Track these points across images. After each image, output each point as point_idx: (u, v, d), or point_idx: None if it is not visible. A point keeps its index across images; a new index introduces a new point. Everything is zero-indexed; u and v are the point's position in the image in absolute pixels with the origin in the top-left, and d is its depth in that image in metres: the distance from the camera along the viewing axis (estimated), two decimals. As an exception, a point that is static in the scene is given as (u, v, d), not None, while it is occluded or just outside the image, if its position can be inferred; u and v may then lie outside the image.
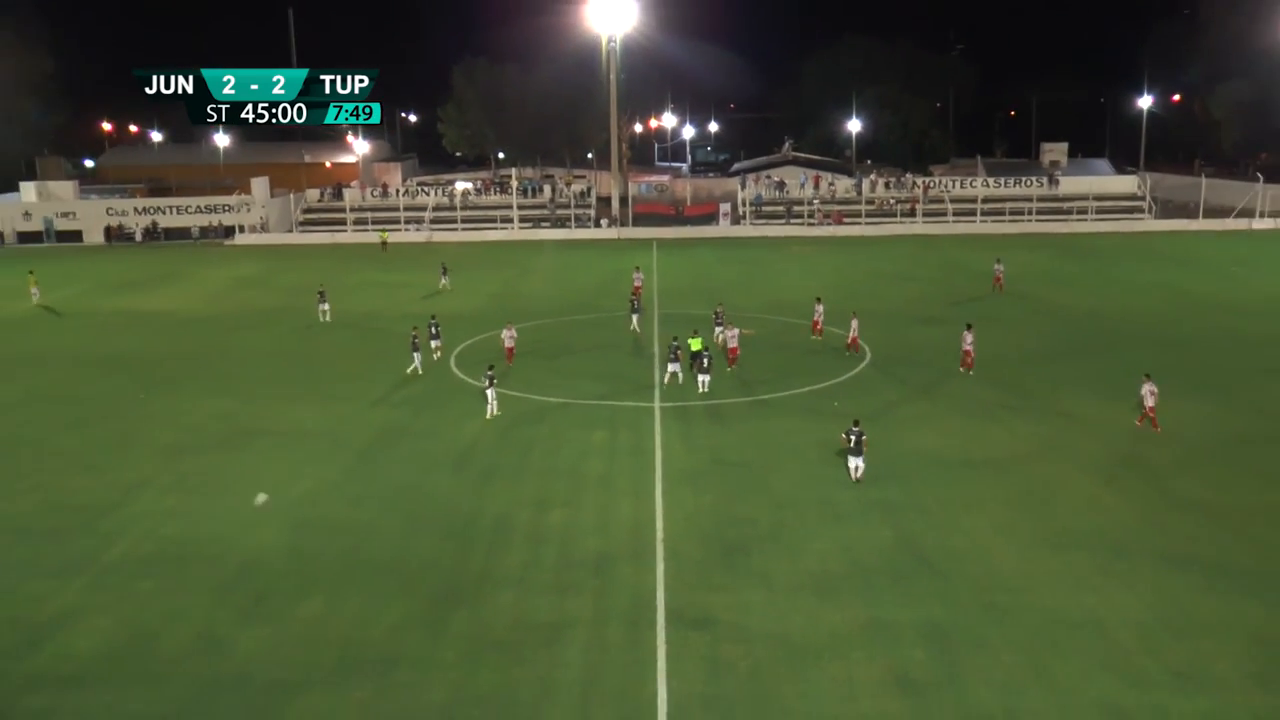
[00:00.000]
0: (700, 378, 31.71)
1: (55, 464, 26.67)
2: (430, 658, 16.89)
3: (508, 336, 35.46)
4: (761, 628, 17.64)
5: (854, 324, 37.24)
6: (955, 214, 78.95)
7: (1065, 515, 22.25)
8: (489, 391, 29.87)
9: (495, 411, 29.86)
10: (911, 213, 79.31)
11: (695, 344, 33.26)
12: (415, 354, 35.14)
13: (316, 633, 17.72)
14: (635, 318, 41.20)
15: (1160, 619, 17.71)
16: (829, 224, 77.52)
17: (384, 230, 72.01)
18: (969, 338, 33.88)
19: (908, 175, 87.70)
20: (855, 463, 24.23)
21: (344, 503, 23.65)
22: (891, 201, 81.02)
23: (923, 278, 54.43)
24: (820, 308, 39.76)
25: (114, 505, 23.61)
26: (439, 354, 36.77)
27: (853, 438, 24.12)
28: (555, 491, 24.11)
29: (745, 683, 16.07)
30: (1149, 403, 27.72)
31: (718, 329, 37.43)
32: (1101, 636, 17.18)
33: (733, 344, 34.63)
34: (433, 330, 37.08)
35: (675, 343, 32.97)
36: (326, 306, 44.76)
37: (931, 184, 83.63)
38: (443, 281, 52.68)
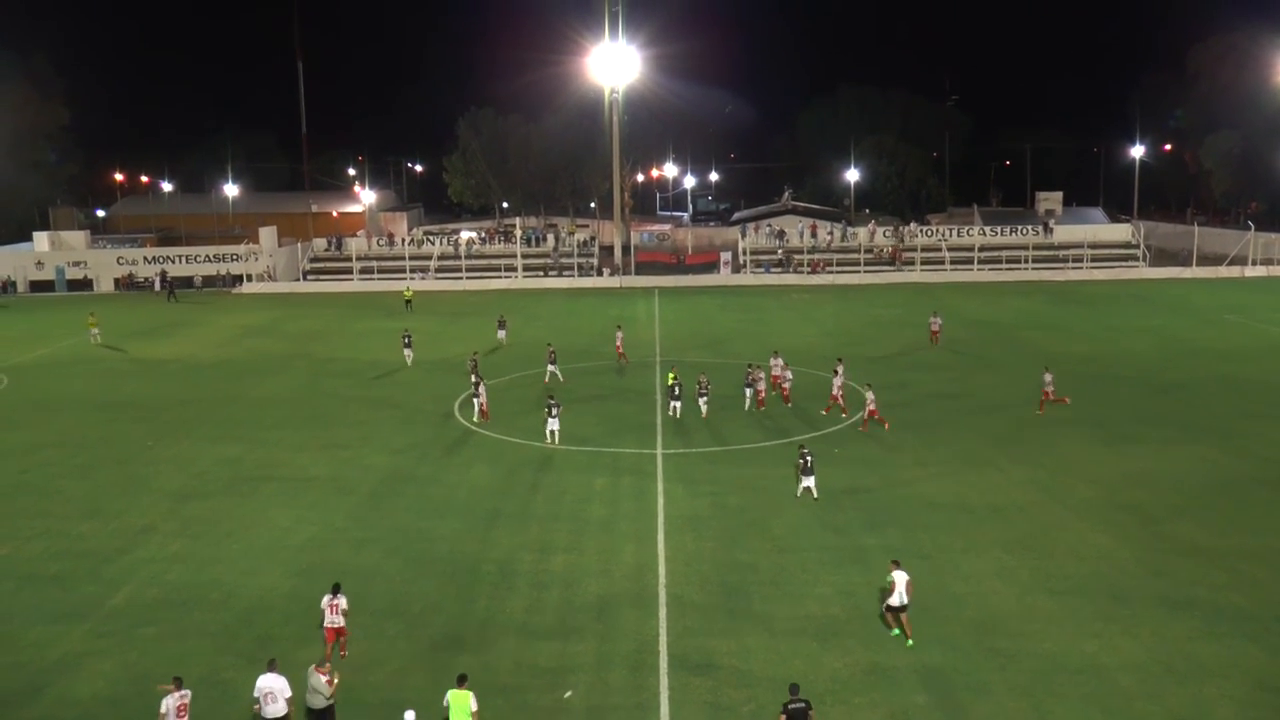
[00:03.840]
0: (673, 404, 34.93)
1: (61, 509, 26.82)
2: (434, 702, 16.92)
3: (480, 393, 35.45)
4: (763, 672, 17.72)
5: (787, 374, 37.32)
6: (952, 262, 79.70)
7: (1063, 560, 22.38)
8: (552, 422, 31.70)
9: (555, 443, 31.57)
10: (892, 261, 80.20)
11: (668, 378, 36.62)
12: (475, 400, 35.82)
13: (320, 677, 17.80)
14: (552, 368, 41.25)
15: (1161, 664, 17.79)
16: (804, 271, 78.47)
17: (408, 286, 69.10)
18: (838, 382, 35.31)
19: (911, 224, 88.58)
20: (808, 482, 25.91)
21: (348, 547, 23.80)
22: (888, 250, 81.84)
23: (921, 324, 54.66)
24: (778, 361, 38.52)
25: (119, 551, 23.76)
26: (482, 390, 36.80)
27: (807, 460, 26.03)
28: (558, 537, 24.26)
29: (747, 727, 16.13)
30: (870, 408, 32.99)
31: (748, 389, 36.34)
32: (1103, 681, 17.26)
33: (785, 385, 36.94)
34: (471, 365, 38.92)
35: (674, 381, 35.50)
36: (410, 352, 45.79)
37: (917, 231, 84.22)
38: (500, 335, 51.32)
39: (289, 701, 15.84)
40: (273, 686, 15.78)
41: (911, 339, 50.07)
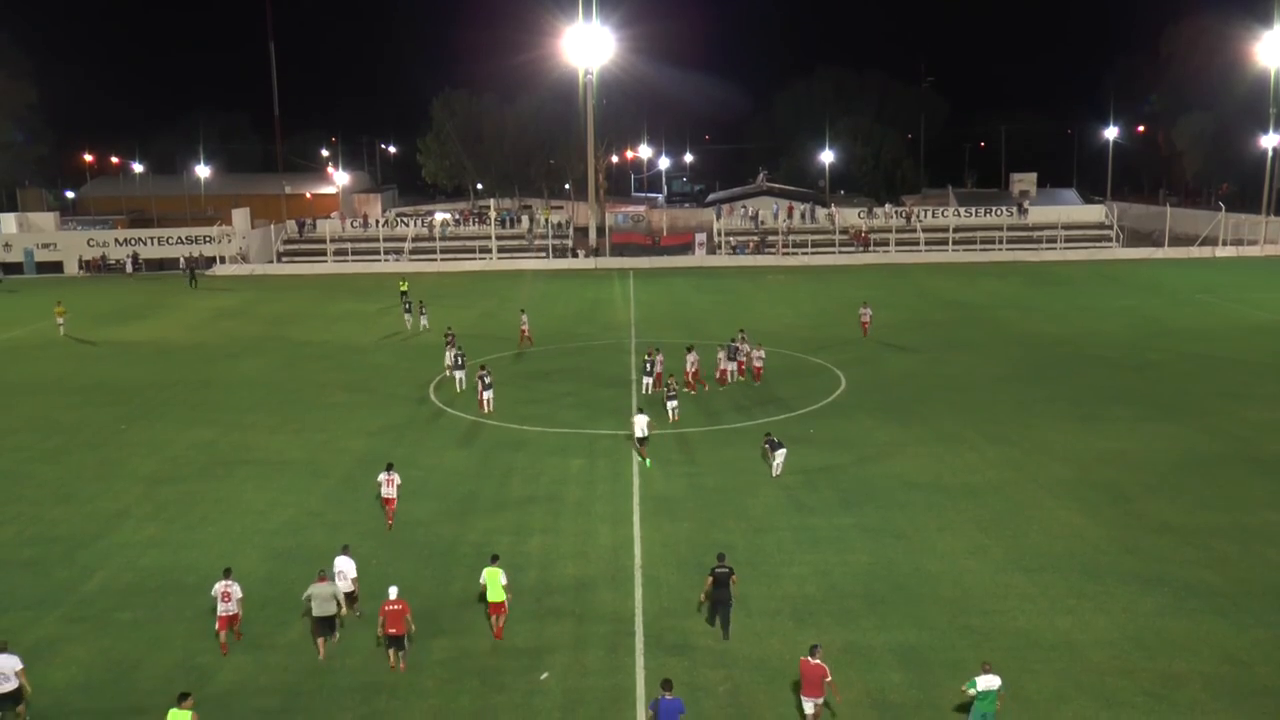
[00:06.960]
0: (645, 380, 35.59)
1: (34, 494, 26.54)
2: (410, 685, 16.95)
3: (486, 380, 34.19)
4: (739, 652, 17.82)
5: (720, 355, 37.21)
6: (927, 243, 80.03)
7: (1037, 538, 22.62)
8: (486, 395, 33.38)
9: (490, 409, 33.20)
10: (861, 243, 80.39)
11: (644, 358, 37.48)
12: (457, 372, 36.68)
13: (297, 661, 17.75)
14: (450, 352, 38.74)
15: (1132, 639, 18.05)
16: (776, 252, 78.78)
17: (403, 279, 64.05)
18: (691, 358, 36.30)
19: (886, 205, 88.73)
20: (779, 459, 26.56)
21: (324, 530, 23.67)
22: (861, 231, 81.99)
23: (896, 305, 54.98)
24: (728, 351, 37.39)
25: (93, 536, 23.54)
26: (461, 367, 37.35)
27: (773, 442, 26.97)
28: (534, 518, 24.27)
29: (724, 707, 16.24)
30: (658, 369, 35.17)
31: (721, 354, 37.28)
32: (1075, 657, 17.49)
33: (757, 364, 37.30)
34: (448, 339, 39.51)
35: (648, 358, 36.07)
36: (409, 317, 48.92)
37: (891, 213, 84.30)
38: (422, 322, 50.04)
39: (354, 582, 19.08)
40: (343, 568, 19.01)
41: (884, 320, 50.05)
